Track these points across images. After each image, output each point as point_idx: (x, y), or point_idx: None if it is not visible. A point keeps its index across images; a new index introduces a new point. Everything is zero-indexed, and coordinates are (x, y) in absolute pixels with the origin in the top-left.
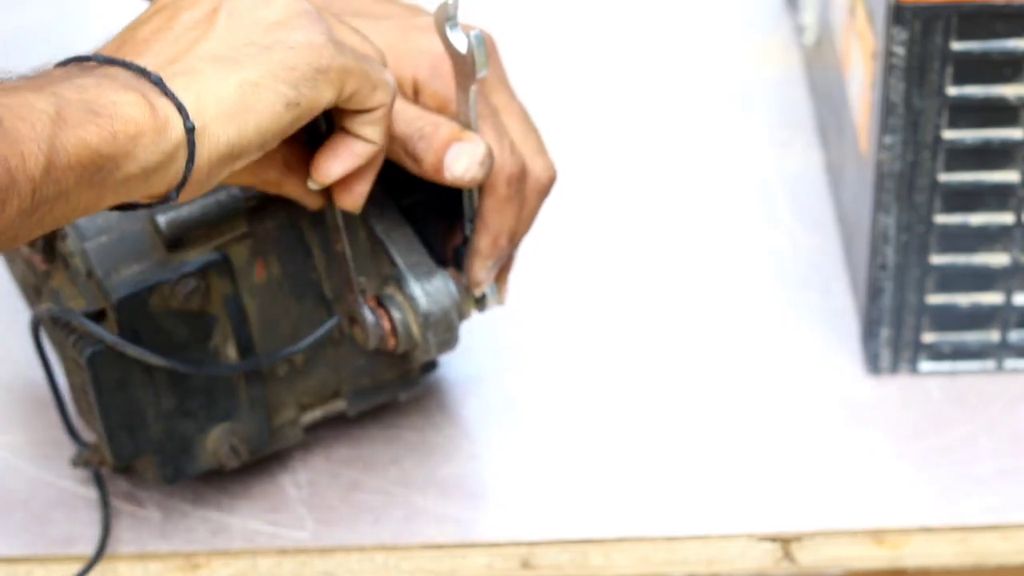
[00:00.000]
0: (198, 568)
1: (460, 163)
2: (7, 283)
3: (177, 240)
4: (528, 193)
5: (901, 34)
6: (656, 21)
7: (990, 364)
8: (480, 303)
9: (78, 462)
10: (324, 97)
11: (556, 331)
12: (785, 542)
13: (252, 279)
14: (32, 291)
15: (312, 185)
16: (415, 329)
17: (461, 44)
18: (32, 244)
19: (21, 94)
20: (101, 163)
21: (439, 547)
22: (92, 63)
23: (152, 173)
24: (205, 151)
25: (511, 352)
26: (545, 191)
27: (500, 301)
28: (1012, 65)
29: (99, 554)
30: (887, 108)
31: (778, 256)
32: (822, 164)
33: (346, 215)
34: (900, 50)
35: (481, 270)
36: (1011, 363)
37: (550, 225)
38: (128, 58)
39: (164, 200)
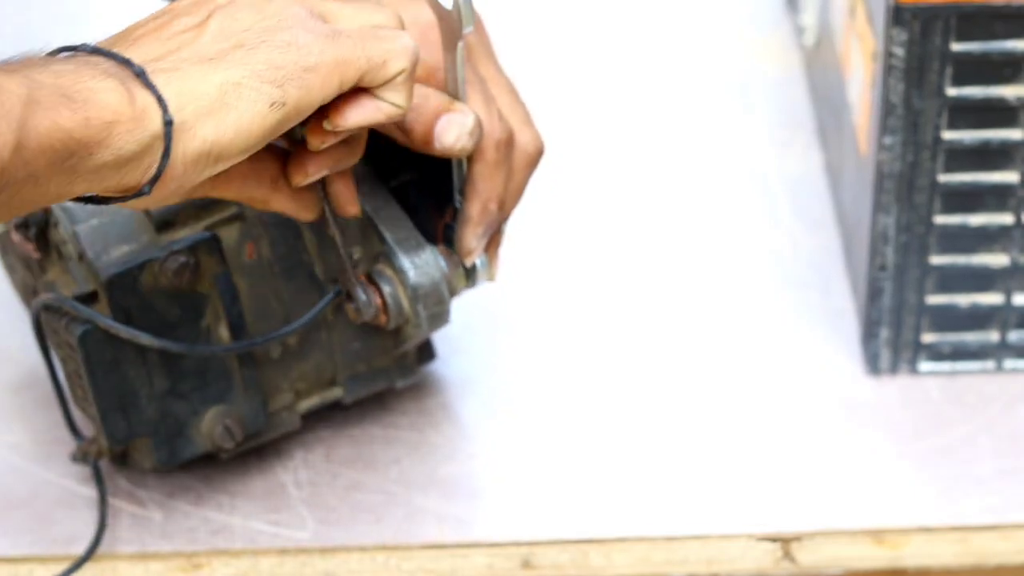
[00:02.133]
0: (199, 568)
1: (450, 133)
2: (7, 285)
3: (167, 222)
4: (516, 163)
5: (901, 35)
6: (656, 22)
7: (990, 364)
8: (470, 278)
9: (77, 456)
10: (315, 95)
11: (556, 331)
12: (785, 542)
13: (242, 260)
14: (31, 295)
15: (327, 125)
16: (405, 303)
17: (447, 0)
18: (26, 233)
19: None
20: (74, 148)
21: (440, 547)
22: (77, 53)
23: (126, 163)
24: (181, 147)
25: (511, 352)
26: (533, 162)
27: (490, 277)
28: (1012, 66)
29: (94, 547)
30: (887, 109)
31: (778, 256)
32: (822, 164)
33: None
34: (900, 51)
35: (472, 237)
36: (1011, 363)
37: (549, 224)
38: (119, 51)
39: (137, 194)
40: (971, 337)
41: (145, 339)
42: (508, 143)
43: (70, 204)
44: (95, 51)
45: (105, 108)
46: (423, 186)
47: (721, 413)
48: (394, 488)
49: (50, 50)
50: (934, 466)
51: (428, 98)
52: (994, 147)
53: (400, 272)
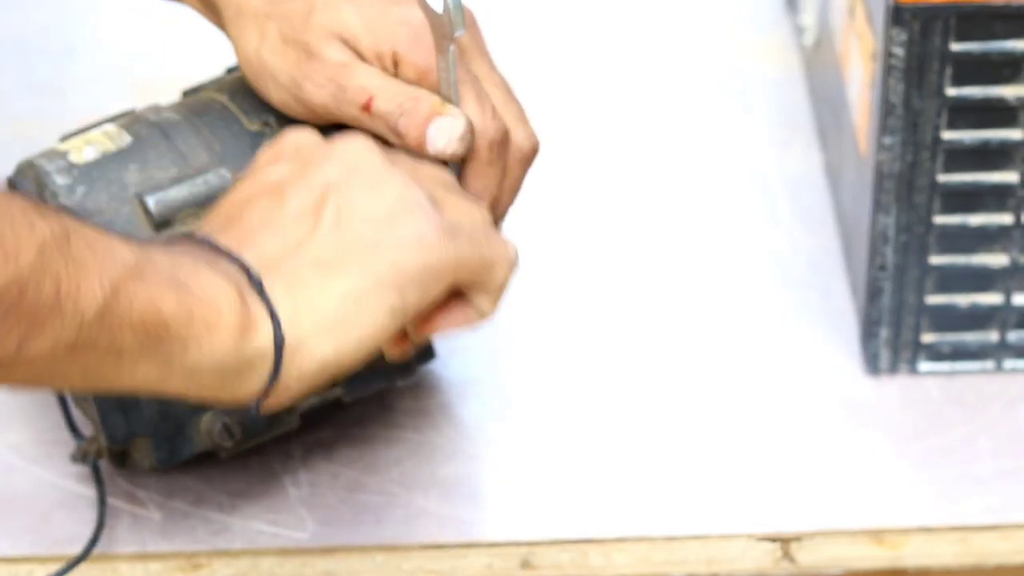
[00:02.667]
0: (199, 568)
1: (441, 138)
2: None
3: (166, 220)
4: (511, 161)
5: (900, 35)
6: (656, 22)
7: (989, 364)
8: None
9: (77, 456)
10: (432, 295)
11: (556, 331)
12: (785, 542)
13: None
14: None
15: (413, 336)
16: None
17: (437, 3)
18: None
19: (108, 237)
20: (167, 337)
21: (439, 547)
22: (198, 243)
23: (228, 374)
24: (295, 366)
25: (511, 353)
26: (528, 160)
27: None
28: (1011, 66)
29: (91, 546)
30: (886, 109)
31: (778, 256)
32: (822, 164)
33: None
34: (899, 51)
35: None
36: (1010, 363)
37: (548, 225)
38: (233, 244)
39: (246, 408)
40: (971, 337)
41: None
42: (502, 142)
43: (68, 202)
44: (213, 247)
45: (212, 308)
46: None
47: (721, 413)
48: (395, 489)
49: (171, 233)
50: (934, 466)
51: (420, 100)
52: (994, 147)
53: None
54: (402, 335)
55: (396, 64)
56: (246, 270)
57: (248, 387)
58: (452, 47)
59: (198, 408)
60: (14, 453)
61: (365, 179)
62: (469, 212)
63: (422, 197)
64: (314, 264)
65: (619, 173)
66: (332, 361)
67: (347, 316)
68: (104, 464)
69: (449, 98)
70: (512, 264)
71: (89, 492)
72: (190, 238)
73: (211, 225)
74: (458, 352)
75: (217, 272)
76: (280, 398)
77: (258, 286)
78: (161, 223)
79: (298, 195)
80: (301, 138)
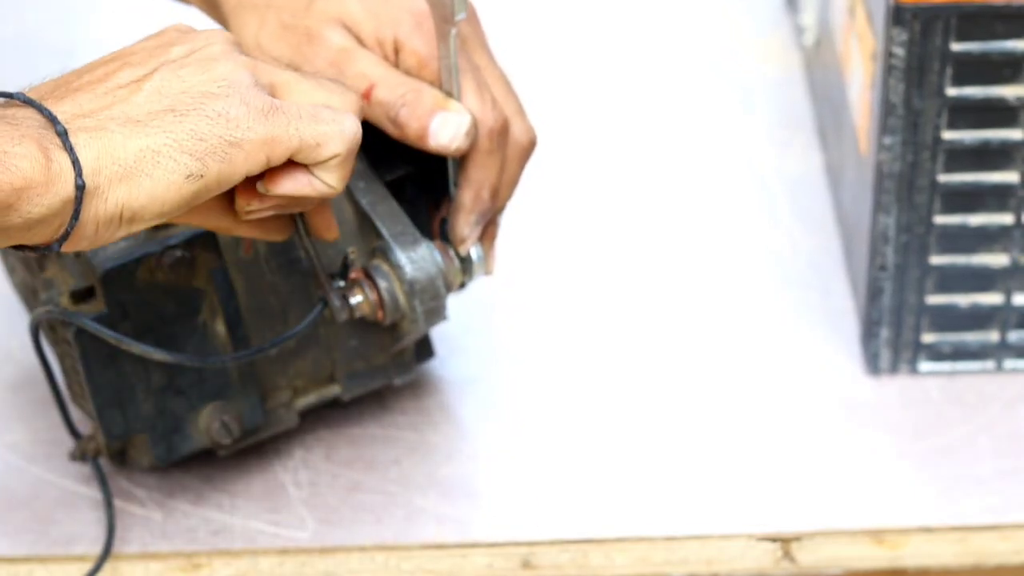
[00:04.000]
0: (199, 568)
1: (445, 133)
2: (7, 284)
3: None
4: (509, 153)
5: (901, 35)
6: (656, 21)
7: (990, 364)
8: (467, 271)
9: (75, 454)
10: (238, 169)
11: (555, 331)
12: (785, 542)
13: (238, 255)
14: (31, 294)
15: (260, 188)
16: (401, 297)
17: None
18: None
19: None
20: None
21: (439, 547)
22: (13, 102)
23: (35, 224)
24: (92, 210)
25: (510, 352)
26: (526, 154)
27: (488, 270)
28: (1012, 66)
29: (105, 554)
30: (887, 109)
31: (778, 256)
32: (822, 165)
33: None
34: (900, 51)
35: (465, 225)
36: (1010, 363)
37: (548, 224)
38: (51, 100)
39: (46, 249)
40: (971, 337)
41: (135, 348)
42: (502, 132)
43: None
44: (28, 102)
45: (18, 175)
46: (420, 181)
47: (721, 413)
48: (394, 488)
49: None
50: (934, 466)
51: (422, 94)
52: (994, 147)
53: (396, 267)
54: (250, 188)
55: (397, 51)
56: (53, 121)
57: (52, 231)
58: (453, 31)
59: (196, 405)
60: (14, 453)
61: (200, 58)
62: (312, 94)
63: (247, 79)
64: (122, 120)
65: (619, 172)
66: (127, 207)
67: (143, 168)
68: (104, 464)
69: (449, 85)
70: (344, 140)
71: (88, 491)
72: (9, 97)
73: (44, 87)
74: (457, 352)
75: (21, 132)
76: (80, 243)
77: (62, 135)
78: None
79: (132, 67)
80: (182, 25)
